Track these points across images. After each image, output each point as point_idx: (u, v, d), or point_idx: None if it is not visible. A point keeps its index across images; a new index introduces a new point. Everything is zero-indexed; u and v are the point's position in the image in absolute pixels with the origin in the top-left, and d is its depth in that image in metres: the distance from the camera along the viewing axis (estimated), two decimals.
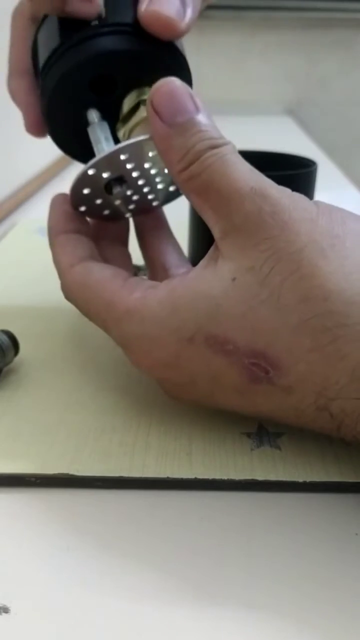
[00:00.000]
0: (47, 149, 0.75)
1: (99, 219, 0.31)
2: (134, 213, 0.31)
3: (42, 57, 0.29)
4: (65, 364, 0.32)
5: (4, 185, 0.63)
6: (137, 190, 0.29)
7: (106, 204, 0.29)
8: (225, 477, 0.24)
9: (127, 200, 0.30)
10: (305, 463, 0.25)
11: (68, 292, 0.27)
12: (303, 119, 1.66)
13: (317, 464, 0.25)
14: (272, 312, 0.22)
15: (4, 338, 0.30)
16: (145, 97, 0.28)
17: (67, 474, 0.24)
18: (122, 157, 0.26)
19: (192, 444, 0.26)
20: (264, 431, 0.27)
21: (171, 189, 0.30)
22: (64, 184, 0.76)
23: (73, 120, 0.29)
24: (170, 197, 0.32)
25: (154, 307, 0.24)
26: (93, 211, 0.29)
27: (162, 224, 0.32)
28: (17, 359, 0.32)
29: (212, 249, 0.24)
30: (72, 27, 0.28)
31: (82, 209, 0.29)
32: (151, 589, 0.20)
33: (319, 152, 1.02)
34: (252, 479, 0.24)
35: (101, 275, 0.26)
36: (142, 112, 0.28)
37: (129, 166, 0.27)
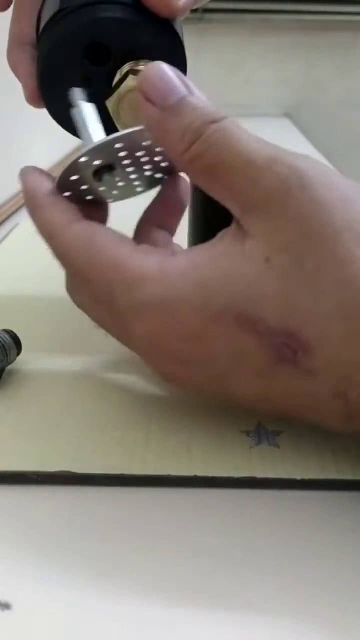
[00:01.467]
0: (48, 151, 0.76)
1: (79, 203, 0.29)
2: (117, 199, 0.31)
3: (42, 24, 0.29)
4: (67, 363, 0.33)
5: (6, 187, 0.63)
6: (125, 177, 0.29)
7: (91, 191, 0.29)
8: (224, 475, 0.25)
9: (112, 186, 0.29)
10: (303, 461, 0.25)
11: (66, 251, 0.25)
12: (301, 122, 1.67)
13: (315, 462, 0.25)
14: (307, 295, 0.21)
15: (7, 338, 0.31)
16: (137, 68, 0.28)
17: (69, 472, 0.25)
18: (117, 146, 0.26)
19: (192, 442, 0.26)
20: (263, 429, 0.27)
21: (157, 176, 0.30)
22: None
23: (67, 89, 0.29)
24: (154, 184, 0.31)
25: (174, 278, 0.22)
26: (76, 196, 0.29)
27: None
28: (19, 358, 0.32)
29: (233, 226, 0.23)
30: None
31: (67, 194, 0.28)
32: (151, 586, 0.20)
33: (318, 154, 1.03)
34: (251, 477, 0.24)
35: (109, 237, 0.24)
36: (130, 81, 0.28)
37: (121, 155, 0.27)
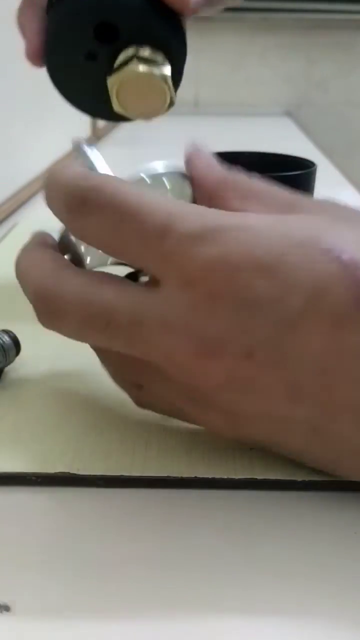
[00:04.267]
0: (48, 150, 0.76)
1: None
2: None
3: None
4: (66, 363, 0.33)
5: (5, 186, 0.63)
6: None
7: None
8: (225, 476, 0.24)
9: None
10: None
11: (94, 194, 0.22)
12: (302, 121, 1.66)
13: None
14: None
15: (6, 338, 0.31)
16: (142, 54, 0.30)
17: (68, 473, 0.24)
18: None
19: (192, 443, 0.26)
20: None
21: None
22: None
23: (72, 60, 0.31)
24: None
25: (250, 216, 0.22)
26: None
27: None
28: (18, 358, 0.32)
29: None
30: None
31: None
32: (151, 587, 0.20)
33: (318, 153, 1.03)
34: (252, 478, 0.24)
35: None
36: (135, 66, 0.30)
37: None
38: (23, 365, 0.32)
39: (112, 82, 0.31)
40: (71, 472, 0.24)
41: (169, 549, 0.22)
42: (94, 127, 1.03)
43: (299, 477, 0.24)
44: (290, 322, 0.20)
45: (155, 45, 0.30)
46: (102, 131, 1.08)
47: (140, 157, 0.98)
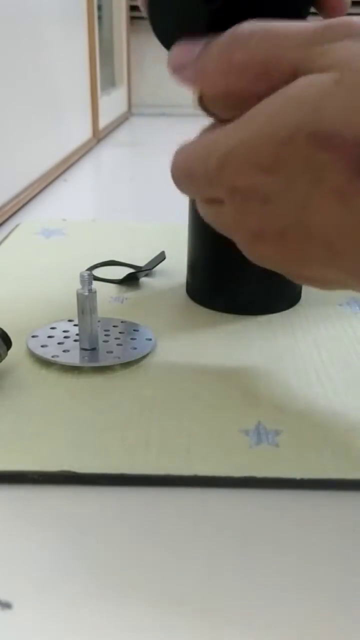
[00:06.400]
0: (49, 151, 0.76)
1: None
2: None
3: None
4: (66, 363, 0.33)
5: (7, 186, 0.63)
6: None
7: None
8: (224, 474, 0.25)
9: None
10: (303, 460, 0.25)
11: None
12: None
13: (314, 461, 0.25)
14: None
15: None
16: None
17: (69, 471, 0.25)
18: None
19: (192, 442, 0.26)
20: (262, 428, 0.27)
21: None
22: (67, 185, 0.76)
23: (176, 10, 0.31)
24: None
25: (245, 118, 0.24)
26: None
27: None
28: (18, 358, 0.32)
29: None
30: None
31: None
32: (150, 585, 0.21)
33: None
34: (251, 476, 0.25)
35: None
36: None
37: None
38: (24, 363, 0.32)
39: None
40: (72, 470, 0.25)
41: (168, 547, 0.22)
42: (95, 129, 1.03)
43: (298, 475, 0.25)
44: (302, 206, 0.23)
45: None
46: (102, 132, 1.08)
47: (141, 157, 0.98)
